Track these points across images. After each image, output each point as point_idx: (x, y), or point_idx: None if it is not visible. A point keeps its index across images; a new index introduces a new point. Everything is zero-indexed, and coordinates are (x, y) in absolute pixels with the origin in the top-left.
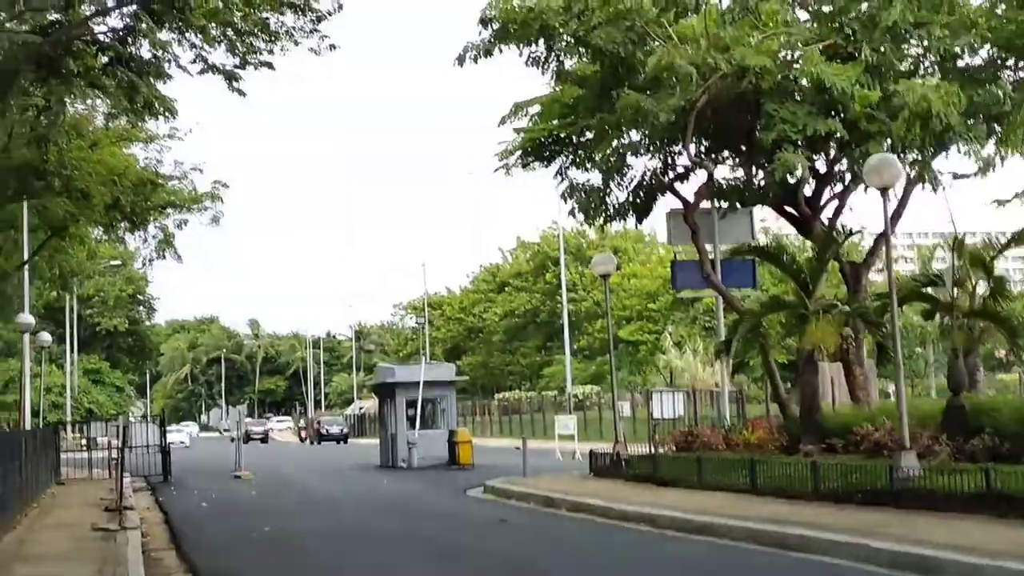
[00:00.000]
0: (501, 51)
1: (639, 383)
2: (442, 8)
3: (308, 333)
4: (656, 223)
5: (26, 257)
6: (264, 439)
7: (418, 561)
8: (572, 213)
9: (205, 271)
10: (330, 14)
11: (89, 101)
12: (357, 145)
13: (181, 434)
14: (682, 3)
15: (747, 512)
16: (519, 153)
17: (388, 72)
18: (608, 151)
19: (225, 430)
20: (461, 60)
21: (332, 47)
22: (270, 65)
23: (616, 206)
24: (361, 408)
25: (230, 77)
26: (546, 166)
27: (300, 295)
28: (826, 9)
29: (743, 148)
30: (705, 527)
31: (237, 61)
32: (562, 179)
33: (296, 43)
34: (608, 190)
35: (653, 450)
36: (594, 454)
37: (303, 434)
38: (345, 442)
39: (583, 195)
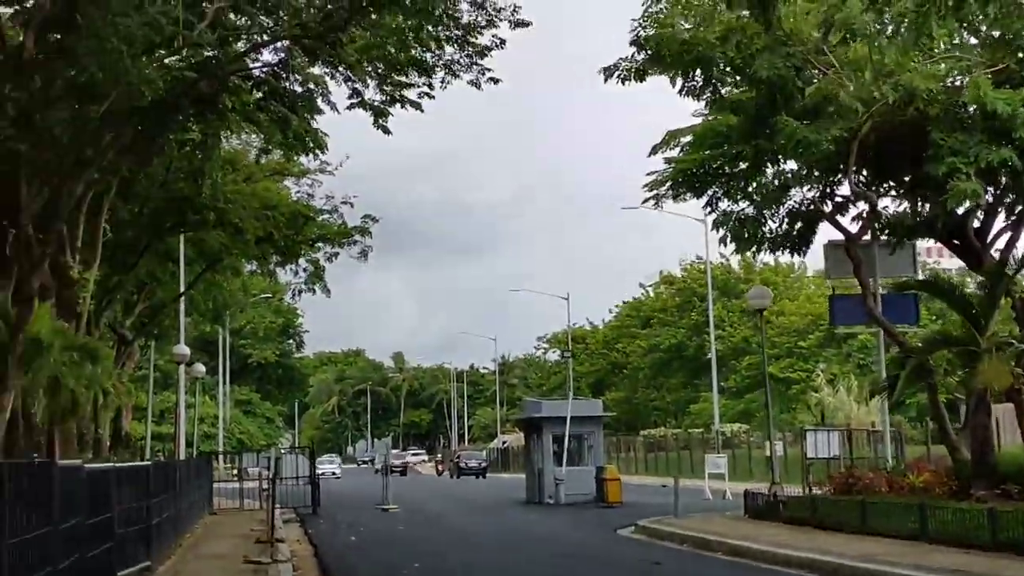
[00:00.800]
0: (650, 75)
1: (789, 421)
2: (582, 31)
3: (452, 366)
4: (807, 257)
5: (182, 289)
6: (403, 472)
7: None
8: (723, 241)
9: (352, 303)
10: (490, 49)
11: (243, 137)
12: (499, 172)
13: (332, 465)
14: (845, 26)
15: (920, 561)
16: (669, 184)
17: (526, 99)
18: (764, 180)
19: (363, 462)
20: (609, 74)
21: (495, 81)
22: (418, 106)
23: (772, 236)
24: (504, 442)
25: (379, 114)
26: (697, 197)
27: (443, 327)
28: (996, 34)
29: (906, 178)
30: None
31: (385, 97)
32: (712, 210)
33: (456, 76)
34: (764, 219)
35: (808, 491)
36: (749, 494)
37: (439, 467)
38: (484, 476)
39: (737, 224)
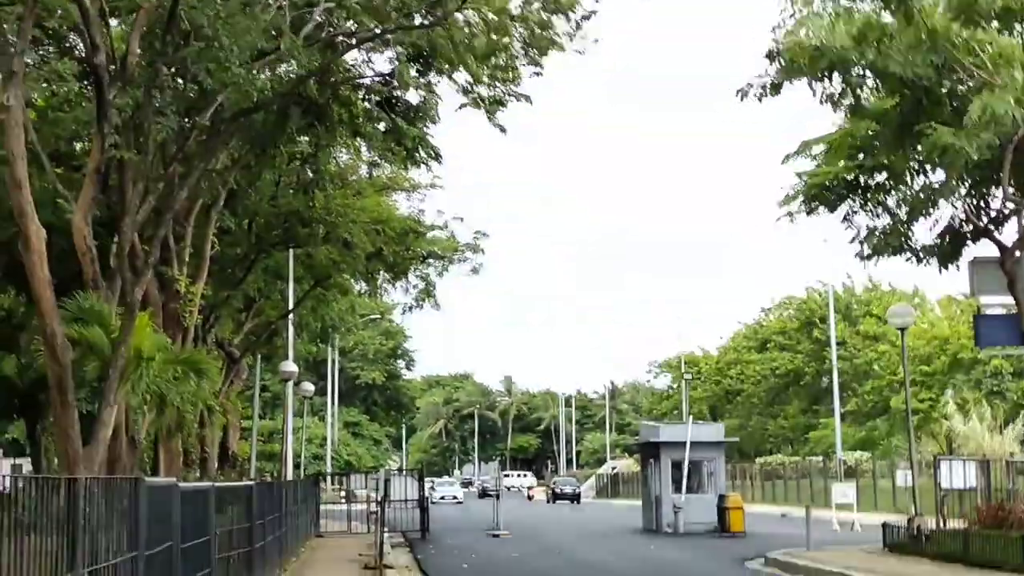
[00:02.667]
0: (790, 83)
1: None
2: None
3: (560, 390)
4: (924, 278)
5: (291, 306)
6: (498, 496)
7: None
8: (865, 256)
9: (460, 325)
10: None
11: (353, 153)
12: (612, 194)
13: (453, 487)
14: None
15: None
16: (802, 199)
17: (640, 115)
18: (906, 193)
19: (464, 484)
20: (744, 94)
21: (595, 40)
22: (528, 98)
23: (918, 250)
24: (614, 468)
25: (493, 109)
26: (831, 211)
27: (553, 350)
28: None
29: None
30: None
31: (497, 92)
32: (849, 225)
33: (561, 49)
34: (910, 232)
35: (942, 524)
36: (888, 527)
37: (530, 492)
38: (578, 501)
39: (882, 237)
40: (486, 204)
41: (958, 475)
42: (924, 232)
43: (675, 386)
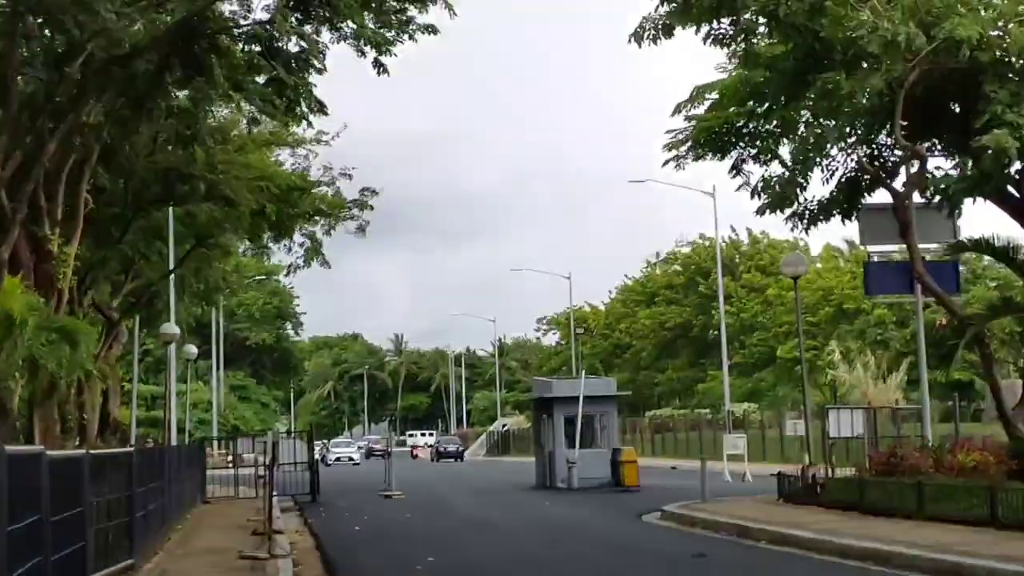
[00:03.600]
0: (681, 29)
1: (800, 400)
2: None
3: (450, 348)
4: (812, 233)
5: (171, 267)
6: (384, 456)
7: None
8: (762, 211)
9: (348, 288)
10: None
11: (233, 106)
12: (496, 155)
13: (349, 448)
14: None
15: (1005, 551)
16: (689, 144)
17: (524, 74)
18: (798, 140)
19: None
20: (638, 38)
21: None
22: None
23: (814, 203)
24: (504, 425)
25: (380, 47)
26: (720, 159)
27: (441, 311)
28: None
29: (950, 136)
30: (957, 570)
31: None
32: (737, 172)
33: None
34: (804, 183)
35: (831, 472)
36: (782, 477)
37: (414, 451)
38: (461, 459)
39: (777, 189)
40: (376, 151)
41: (845, 423)
42: (818, 186)
43: (564, 342)
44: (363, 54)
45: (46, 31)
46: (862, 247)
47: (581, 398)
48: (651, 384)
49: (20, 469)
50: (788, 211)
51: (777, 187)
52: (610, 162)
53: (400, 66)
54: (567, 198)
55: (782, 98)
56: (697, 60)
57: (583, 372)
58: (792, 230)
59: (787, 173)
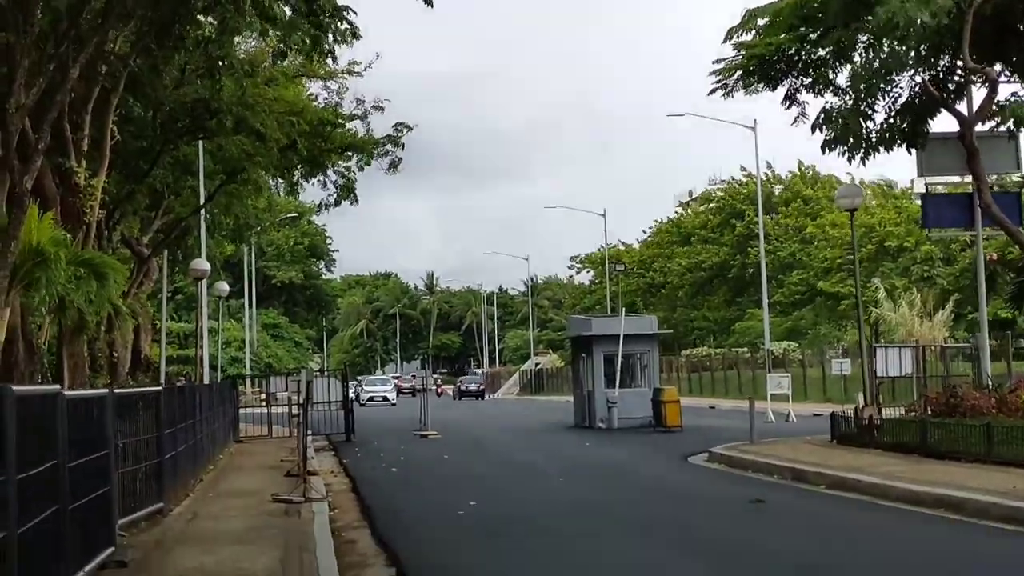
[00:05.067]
0: None
1: (840, 338)
2: None
3: (481, 287)
4: (855, 165)
5: (202, 201)
6: (413, 393)
7: (688, 559)
8: (827, 145)
9: (380, 226)
10: None
11: (260, 39)
12: (534, 77)
13: (385, 388)
14: None
15: None
16: (739, 73)
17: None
18: (857, 67)
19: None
20: None
21: None
22: None
23: (877, 132)
24: (537, 364)
25: None
26: (772, 88)
27: (473, 250)
28: None
29: (1021, 58)
30: None
31: None
32: (791, 103)
33: None
34: (870, 113)
35: (879, 412)
36: (836, 418)
37: (439, 390)
38: (483, 398)
39: (840, 121)
40: (407, 88)
41: (893, 362)
42: (880, 114)
43: (597, 281)
44: None
45: None
46: (920, 178)
47: (622, 336)
48: (687, 323)
49: (33, 410)
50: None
51: (840, 119)
52: (642, 99)
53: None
54: (599, 135)
55: (840, 21)
56: None
57: (623, 310)
58: (849, 162)
59: (847, 102)
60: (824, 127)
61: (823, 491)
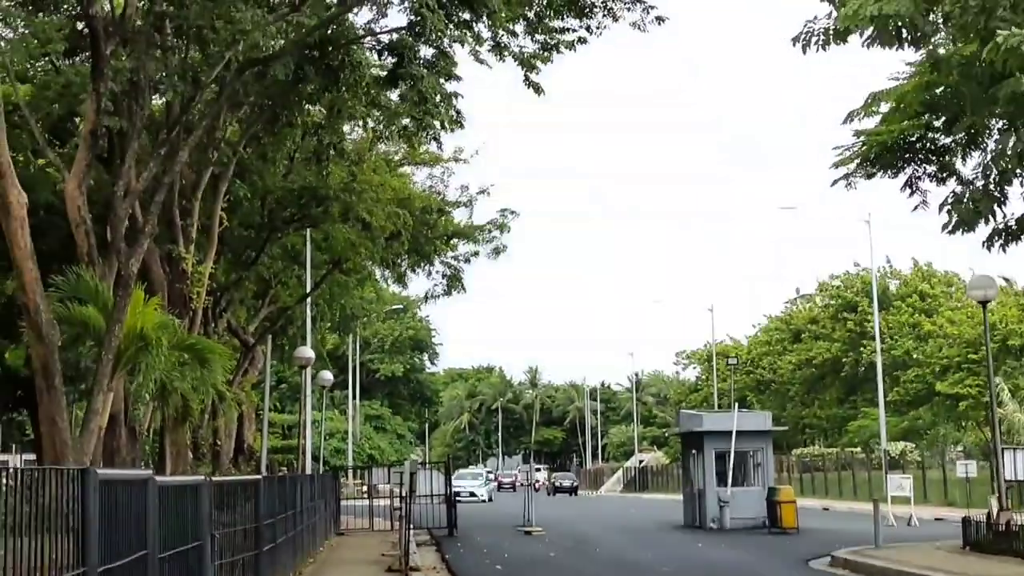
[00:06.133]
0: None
1: (958, 440)
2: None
3: (584, 382)
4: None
5: (308, 290)
6: (513, 488)
7: None
8: (951, 229)
9: (483, 317)
10: None
11: (368, 125)
12: (648, 166)
13: (476, 481)
14: None
15: None
16: (858, 162)
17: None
18: (997, 151)
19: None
20: (804, 42)
21: (659, 20)
22: (573, 46)
23: (1016, 220)
24: (642, 461)
25: (529, 66)
26: (893, 176)
27: (577, 338)
28: None
29: None
30: None
31: (537, 46)
32: (913, 192)
33: (615, 18)
34: (1002, 198)
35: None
36: (969, 523)
37: (536, 485)
38: (575, 493)
39: (970, 205)
40: (514, 176)
41: (1022, 465)
42: (1018, 202)
43: (704, 377)
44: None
45: (180, 39)
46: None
47: (734, 433)
48: (797, 421)
49: (119, 497)
50: (987, 229)
51: (970, 203)
52: (751, 193)
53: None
54: (707, 228)
55: (977, 108)
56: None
57: (735, 405)
58: (988, 249)
59: (977, 186)
60: (952, 211)
61: None
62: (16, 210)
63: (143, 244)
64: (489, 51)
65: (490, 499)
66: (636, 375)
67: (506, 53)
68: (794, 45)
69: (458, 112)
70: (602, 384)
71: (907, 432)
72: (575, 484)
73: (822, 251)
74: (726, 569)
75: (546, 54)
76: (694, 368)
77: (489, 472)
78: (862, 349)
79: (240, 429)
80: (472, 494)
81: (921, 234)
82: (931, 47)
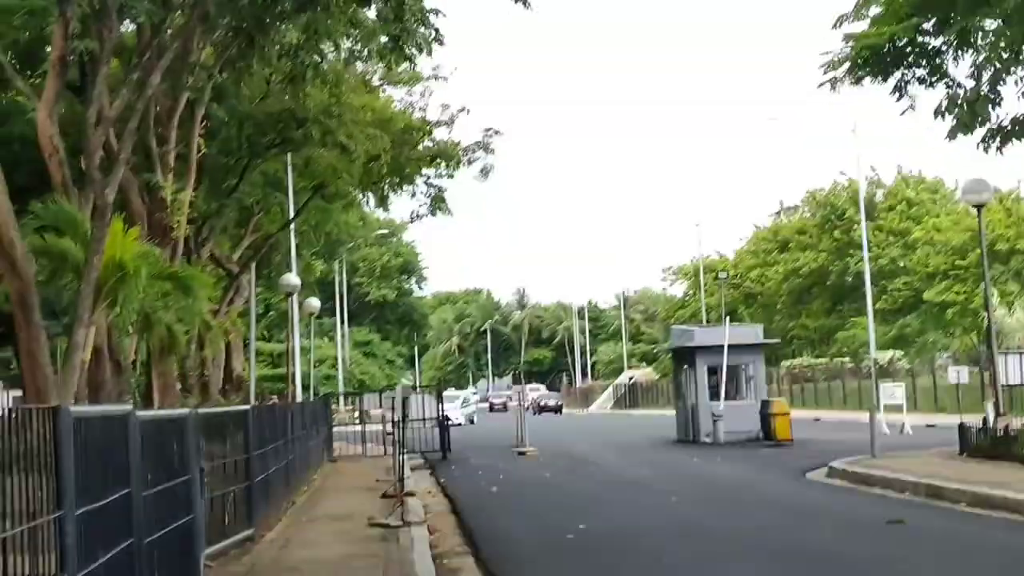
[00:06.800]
0: None
1: (946, 346)
2: None
3: (572, 302)
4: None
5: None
6: (504, 408)
7: None
8: (952, 134)
9: (468, 236)
10: None
11: (344, 45)
12: (629, 84)
13: (452, 406)
14: None
15: None
16: (848, 66)
17: None
18: (989, 50)
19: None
20: None
21: None
22: None
23: (1012, 120)
24: (632, 378)
25: None
26: (882, 80)
27: (564, 257)
28: None
29: None
30: None
31: None
32: (901, 95)
33: None
34: (996, 99)
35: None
36: (965, 429)
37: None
38: (560, 412)
39: (965, 107)
40: (492, 89)
41: (1016, 370)
42: (1012, 102)
43: (692, 292)
44: None
45: None
46: None
47: (726, 346)
48: (786, 333)
49: (98, 435)
50: (980, 131)
51: (966, 105)
52: (736, 106)
53: None
54: (691, 138)
55: (967, 7)
56: None
57: (726, 319)
58: (985, 151)
59: (968, 89)
60: (947, 113)
61: (966, 509)
62: None
63: (119, 172)
64: None
65: (471, 422)
66: (623, 292)
67: None
68: None
69: (436, 31)
70: (590, 303)
71: (895, 341)
72: (559, 403)
73: (805, 164)
74: (725, 483)
75: None
76: (681, 284)
77: (475, 393)
78: (849, 258)
79: (228, 359)
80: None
81: (901, 146)
82: None
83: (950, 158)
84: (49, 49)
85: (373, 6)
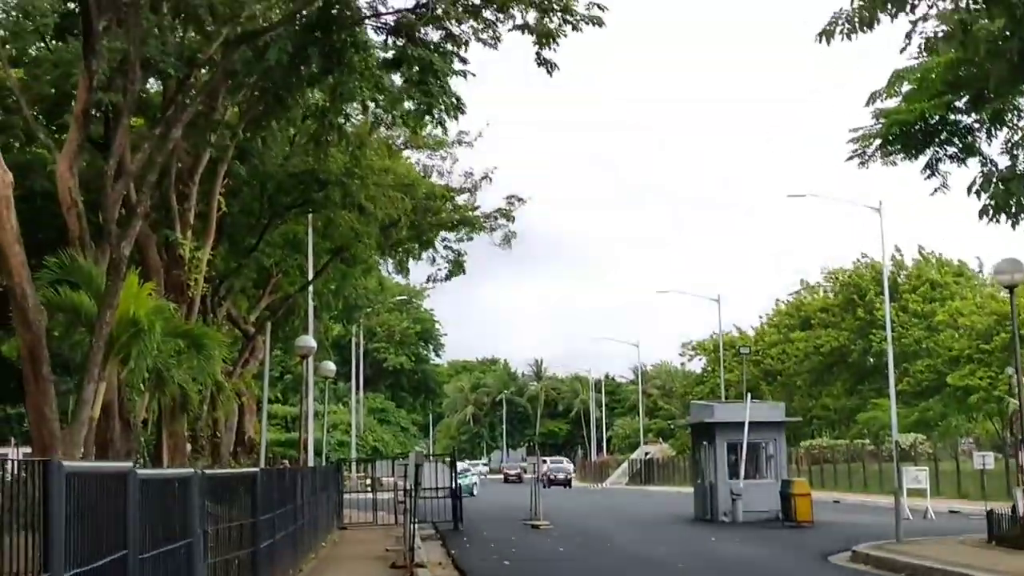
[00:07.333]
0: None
1: (970, 431)
2: None
3: (589, 374)
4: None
5: (310, 277)
6: (519, 479)
7: None
8: (985, 212)
9: (486, 310)
10: None
11: (370, 109)
12: (650, 151)
13: (466, 479)
14: None
15: None
16: (878, 143)
17: (687, 65)
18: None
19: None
20: (828, 36)
21: None
22: (599, 21)
23: None
24: (647, 453)
25: (544, 39)
26: (913, 158)
27: (580, 331)
28: None
29: None
30: None
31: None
32: (932, 174)
33: None
34: None
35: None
36: (994, 516)
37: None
38: (570, 486)
39: (1001, 185)
40: (520, 170)
41: None
42: None
43: (711, 369)
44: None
45: (176, 19)
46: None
47: (747, 423)
48: (805, 412)
49: (94, 492)
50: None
51: (999, 183)
52: (759, 178)
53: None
54: (712, 216)
55: (1005, 86)
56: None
57: (747, 395)
58: (1013, 227)
59: (1002, 168)
60: (981, 192)
61: None
62: (1, 188)
63: (136, 225)
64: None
65: (471, 494)
66: (640, 366)
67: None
68: (819, 41)
69: (458, 99)
70: (607, 376)
71: (917, 424)
72: (569, 477)
73: (826, 242)
74: (744, 565)
75: (563, 26)
76: (700, 359)
77: (486, 464)
78: (871, 338)
79: (241, 421)
80: (460, 488)
81: (925, 226)
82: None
83: (975, 231)
84: (74, 104)
85: (399, 73)
